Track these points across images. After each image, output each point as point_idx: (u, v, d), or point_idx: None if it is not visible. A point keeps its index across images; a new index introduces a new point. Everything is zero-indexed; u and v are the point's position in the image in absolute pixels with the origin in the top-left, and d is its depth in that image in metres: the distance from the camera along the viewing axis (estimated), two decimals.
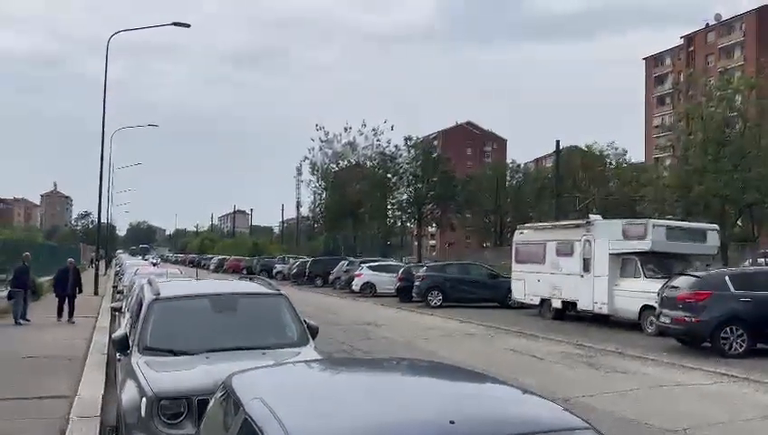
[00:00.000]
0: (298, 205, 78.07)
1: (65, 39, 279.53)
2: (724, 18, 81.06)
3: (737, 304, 12.91)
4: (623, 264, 17.80)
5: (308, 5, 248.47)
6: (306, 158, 60.95)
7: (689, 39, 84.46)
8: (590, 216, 21.02)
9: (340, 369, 3.79)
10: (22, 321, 15.52)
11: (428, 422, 2.36)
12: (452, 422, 2.31)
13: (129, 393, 5.24)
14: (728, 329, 12.77)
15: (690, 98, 45.67)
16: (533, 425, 2.46)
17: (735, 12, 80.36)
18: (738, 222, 40.17)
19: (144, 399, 4.92)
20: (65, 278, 16.90)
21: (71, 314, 16.56)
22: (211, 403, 3.46)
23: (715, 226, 20.48)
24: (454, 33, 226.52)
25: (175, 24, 28.25)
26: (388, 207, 62.31)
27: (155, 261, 49.12)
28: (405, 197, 60.05)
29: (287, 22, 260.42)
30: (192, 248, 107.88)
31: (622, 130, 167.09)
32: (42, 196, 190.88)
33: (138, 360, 5.60)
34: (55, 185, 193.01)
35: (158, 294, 6.30)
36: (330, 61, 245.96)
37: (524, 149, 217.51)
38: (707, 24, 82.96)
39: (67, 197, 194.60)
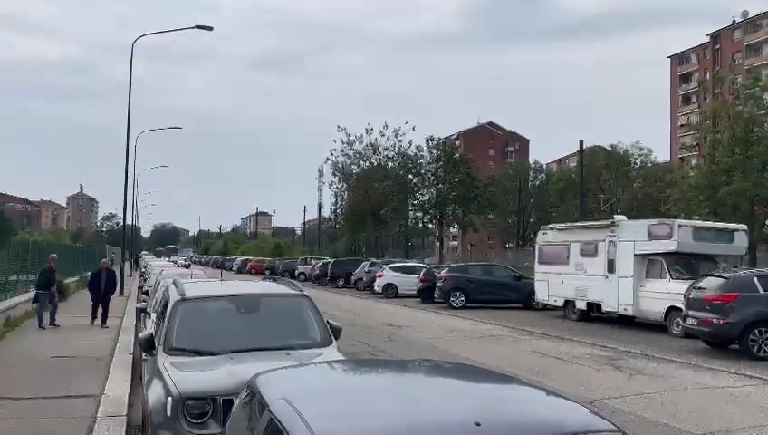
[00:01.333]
0: (320, 206, 78.52)
1: (92, 45, 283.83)
2: (751, 15, 79.63)
3: (766, 305, 12.67)
4: (648, 265, 17.58)
5: (330, 11, 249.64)
6: (328, 159, 61.21)
7: (715, 37, 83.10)
8: (615, 216, 20.80)
9: (365, 370, 3.79)
10: (47, 326, 14.95)
11: (454, 424, 2.35)
12: (478, 424, 2.29)
13: (154, 393, 5.29)
14: (757, 331, 12.55)
15: (716, 96, 44.91)
16: (560, 427, 2.43)
17: (762, 9, 78.69)
18: (767, 222, 39.39)
19: (170, 398, 4.97)
20: (99, 280, 16.48)
21: (104, 317, 15.89)
22: (236, 403, 3.48)
23: (743, 226, 20.10)
24: (476, 34, 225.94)
25: (198, 27, 28.58)
26: (410, 208, 62.24)
27: (186, 263, 48.23)
28: (427, 197, 59.93)
29: (310, 26, 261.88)
30: (215, 250, 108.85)
31: (647, 130, 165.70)
32: (68, 198, 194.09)
33: (163, 360, 5.65)
34: (81, 187, 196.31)
35: (184, 294, 6.36)
36: (352, 64, 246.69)
37: (547, 150, 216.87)
38: (734, 20, 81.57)
39: (93, 199, 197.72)
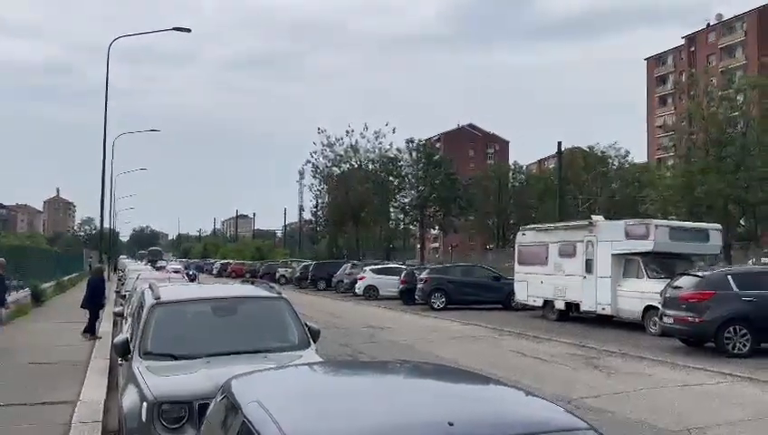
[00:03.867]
0: (300, 209, 78.16)
1: (71, 47, 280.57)
2: (725, 18, 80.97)
3: (740, 303, 12.86)
4: (626, 264, 17.77)
5: (309, 11, 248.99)
6: (309, 161, 61.03)
7: (690, 39, 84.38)
8: (593, 217, 21.00)
9: (341, 371, 3.78)
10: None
11: (427, 424, 2.35)
12: (451, 424, 2.29)
13: (129, 398, 5.22)
14: (732, 329, 12.72)
15: (692, 98, 45.59)
16: (535, 426, 2.44)
17: (736, 12, 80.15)
18: (741, 222, 40.08)
19: (145, 403, 4.91)
20: (101, 287, 14.85)
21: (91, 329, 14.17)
22: (211, 407, 3.44)
23: (718, 225, 20.41)
24: (455, 35, 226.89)
25: (176, 28, 28.40)
26: (391, 209, 62.32)
27: (191, 273, 33.35)
28: (407, 199, 60.05)
29: (287, 28, 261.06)
30: (195, 253, 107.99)
31: (625, 131, 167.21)
32: (45, 202, 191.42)
33: (138, 364, 5.58)
34: (58, 191, 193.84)
35: (159, 298, 6.29)
36: (331, 65, 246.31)
37: (527, 151, 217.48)
38: (708, 23, 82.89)
39: (70, 203, 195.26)
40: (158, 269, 21.33)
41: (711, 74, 50.45)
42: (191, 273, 33.36)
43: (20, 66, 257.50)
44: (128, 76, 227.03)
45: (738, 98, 37.86)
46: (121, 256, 79.94)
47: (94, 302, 14.53)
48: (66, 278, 34.09)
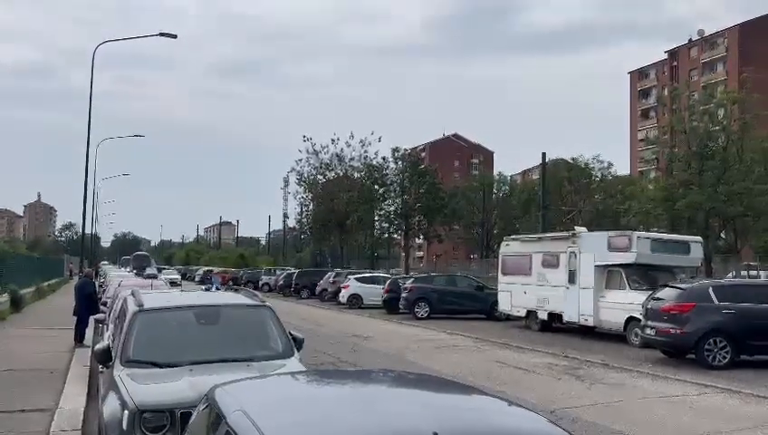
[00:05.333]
0: (285, 216, 77.94)
1: (51, 49, 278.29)
2: (707, 34, 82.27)
3: (721, 315, 13.01)
4: (608, 276, 17.90)
5: (294, 19, 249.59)
6: (293, 169, 60.86)
7: (673, 54, 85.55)
8: (576, 228, 21.16)
9: (325, 380, 3.77)
10: None
11: (412, 433, 2.35)
12: (435, 434, 2.30)
13: (110, 406, 5.17)
14: (712, 340, 12.86)
15: (674, 112, 46.19)
16: None
17: (718, 27, 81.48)
18: (722, 234, 40.55)
19: (126, 411, 4.86)
20: (93, 292, 14.68)
21: (82, 336, 14.05)
22: (194, 416, 3.42)
23: (699, 238, 20.66)
24: (441, 46, 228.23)
25: (162, 34, 28.27)
26: (376, 218, 62.26)
27: (215, 286, 25.43)
28: (392, 208, 60.05)
29: (273, 35, 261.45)
30: (177, 260, 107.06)
31: (608, 143, 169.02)
32: (25, 206, 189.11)
33: (120, 372, 5.53)
34: (39, 195, 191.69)
35: (142, 305, 6.24)
36: (316, 73, 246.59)
37: (511, 162, 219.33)
38: (690, 39, 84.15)
39: (51, 207, 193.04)
40: (147, 279, 15.61)
41: (693, 89, 51.17)
42: (215, 287, 23.64)
43: (1, 69, 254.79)
44: (110, 80, 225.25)
45: (719, 112, 38.39)
46: (102, 262, 78.99)
47: (86, 308, 14.28)
48: (46, 284, 33.68)
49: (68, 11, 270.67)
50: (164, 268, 60.60)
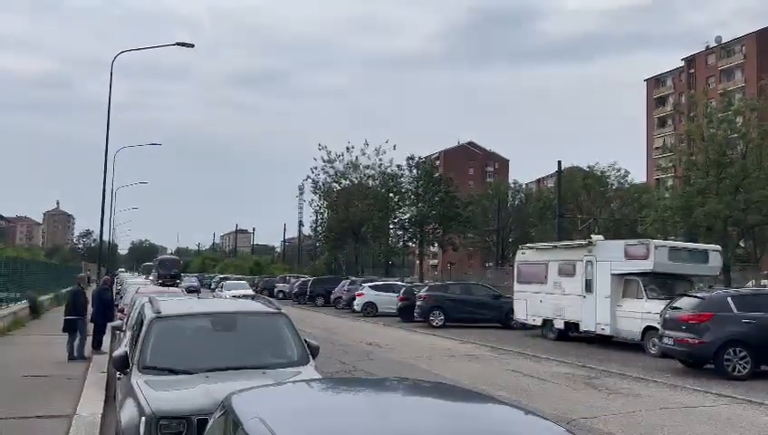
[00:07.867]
0: (300, 224, 78.24)
1: (70, 61, 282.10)
2: (724, 41, 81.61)
3: (740, 325, 12.84)
4: (625, 284, 17.74)
5: (311, 30, 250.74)
6: (308, 177, 61.09)
7: (690, 61, 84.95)
8: (592, 236, 21.00)
9: (340, 388, 3.77)
10: None
11: None
12: None
13: (128, 412, 5.20)
14: (731, 350, 12.69)
15: (691, 119, 45.81)
16: None
17: (735, 35, 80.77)
18: (740, 243, 40.09)
19: (143, 418, 4.89)
20: (110, 299, 14.65)
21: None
22: (210, 423, 3.43)
23: (718, 247, 20.42)
24: (455, 56, 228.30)
25: (179, 44, 28.56)
26: (390, 226, 62.26)
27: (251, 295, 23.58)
28: (407, 216, 60.04)
29: (290, 46, 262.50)
30: (193, 268, 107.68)
31: (624, 151, 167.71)
32: (44, 214, 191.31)
33: (137, 379, 5.57)
34: (58, 203, 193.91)
35: (159, 312, 6.28)
36: (333, 83, 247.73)
37: (526, 170, 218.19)
38: (707, 46, 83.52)
39: (69, 215, 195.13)
40: (189, 292, 14.68)
41: (710, 96, 50.71)
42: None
43: (19, 80, 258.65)
44: (127, 90, 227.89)
45: (737, 120, 38.02)
46: (120, 270, 79.66)
47: (103, 315, 14.27)
48: (64, 291, 33.96)
49: (85, 23, 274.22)
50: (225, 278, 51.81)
